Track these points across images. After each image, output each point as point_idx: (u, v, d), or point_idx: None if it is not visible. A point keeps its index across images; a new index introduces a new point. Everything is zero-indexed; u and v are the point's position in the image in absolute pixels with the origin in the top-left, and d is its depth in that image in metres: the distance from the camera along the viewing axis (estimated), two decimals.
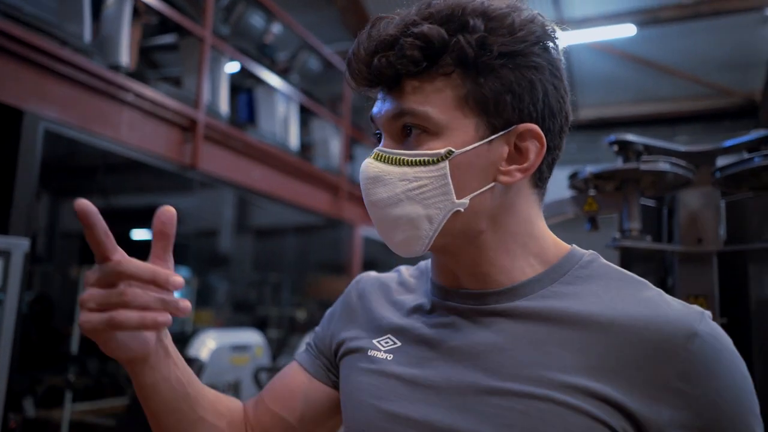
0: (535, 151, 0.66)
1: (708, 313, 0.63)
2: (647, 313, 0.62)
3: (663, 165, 1.76)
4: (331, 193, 6.17)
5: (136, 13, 4.08)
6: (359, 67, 0.66)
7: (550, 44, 0.69)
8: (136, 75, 3.81)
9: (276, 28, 5.96)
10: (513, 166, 0.67)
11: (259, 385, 4.15)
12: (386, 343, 0.74)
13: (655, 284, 2.15)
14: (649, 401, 0.59)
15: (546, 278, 0.68)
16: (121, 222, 8.73)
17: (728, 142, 1.94)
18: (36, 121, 2.99)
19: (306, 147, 6.42)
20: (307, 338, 0.91)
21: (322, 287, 11.36)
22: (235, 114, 5.73)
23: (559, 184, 2.33)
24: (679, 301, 0.66)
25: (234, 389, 4.18)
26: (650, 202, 2.26)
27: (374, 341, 0.76)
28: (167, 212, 0.64)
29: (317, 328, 0.88)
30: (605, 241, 2.01)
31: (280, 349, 7.49)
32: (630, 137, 1.89)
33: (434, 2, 0.66)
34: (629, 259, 2.40)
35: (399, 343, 0.73)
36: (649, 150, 1.90)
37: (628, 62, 8.98)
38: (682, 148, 1.98)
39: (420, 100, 0.64)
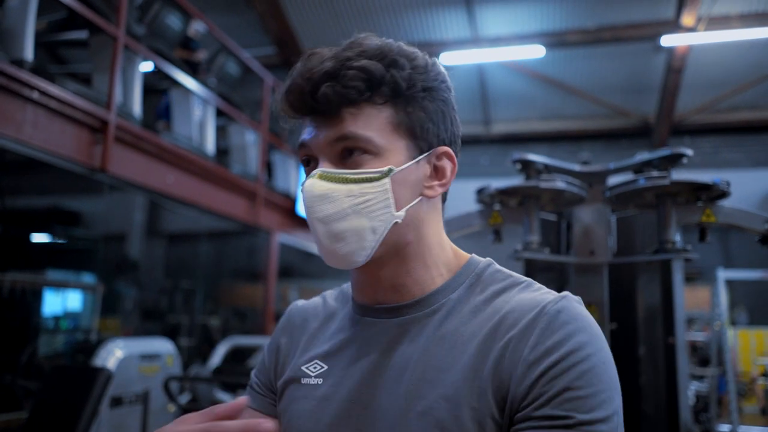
0: (450, 168, 0.78)
1: (574, 298, 0.71)
2: (521, 304, 0.72)
3: (560, 183, 1.92)
4: (248, 199, 6.10)
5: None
6: (302, 97, 0.72)
7: (449, 83, 0.80)
8: (42, 72, 3.64)
9: (201, 26, 5.84)
10: (435, 182, 0.77)
11: (169, 395, 4.04)
12: (314, 368, 0.81)
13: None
14: (513, 377, 0.66)
15: (449, 287, 0.78)
16: (19, 224, 8.19)
17: (617, 164, 2.13)
18: None
19: (223, 152, 6.31)
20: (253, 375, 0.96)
21: (238, 294, 11.13)
22: (154, 114, 5.56)
23: (467, 199, 2.46)
24: (553, 291, 0.74)
25: (143, 399, 4.04)
26: (552, 217, 2.44)
27: (304, 368, 0.82)
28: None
29: (258, 366, 0.95)
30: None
31: (192, 357, 7.28)
32: (532, 157, 2.04)
33: (360, 42, 0.74)
34: (533, 269, 2.57)
35: (326, 367, 0.80)
36: (549, 169, 2.06)
37: (537, 81, 9.49)
38: (578, 168, 2.16)
39: (361, 126, 0.72)
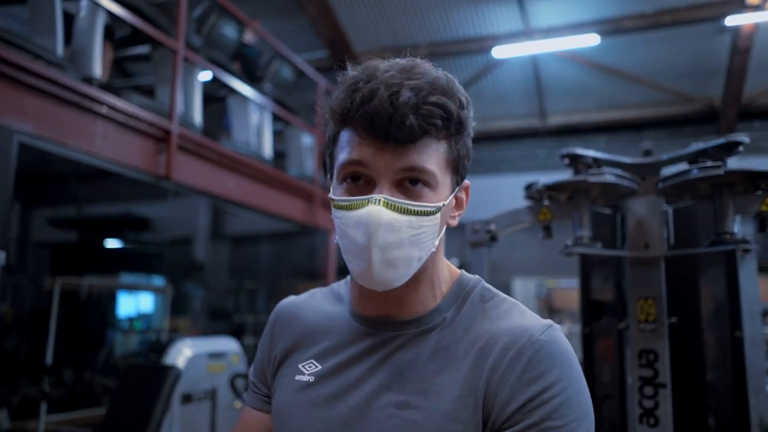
0: (465, 200, 0.85)
1: (557, 327, 0.77)
2: (503, 327, 0.78)
3: (609, 177, 1.90)
4: (305, 200, 6.25)
5: (108, 28, 4.12)
6: (382, 122, 0.71)
7: None
8: (109, 87, 3.86)
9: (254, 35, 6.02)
10: (456, 213, 0.83)
11: (235, 391, 4.21)
12: (309, 367, 0.86)
13: (612, 287, 2.25)
14: (498, 397, 0.73)
15: (445, 305, 0.83)
16: (93, 230, 8.66)
17: (669, 155, 2.08)
18: (10, 134, 3.02)
19: (280, 155, 6.48)
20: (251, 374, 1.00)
21: (298, 293, 11.36)
22: (220, 122, 5.76)
23: (516, 195, 2.46)
24: (535, 315, 0.81)
25: (211, 396, 4.23)
26: (606, 210, 2.40)
27: (299, 366, 0.87)
28: None
29: (253, 364, 0.99)
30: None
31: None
32: (579, 151, 2.02)
33: (420, 70, 0.75)
34: (589, 264, 2.54)
35: (320, 366, 0.85)
36: (598, 162, 2.04)
37: (593, 70, 9.24)
38: (628, 161, 2.12)
39: (427, 159, 0.74)
